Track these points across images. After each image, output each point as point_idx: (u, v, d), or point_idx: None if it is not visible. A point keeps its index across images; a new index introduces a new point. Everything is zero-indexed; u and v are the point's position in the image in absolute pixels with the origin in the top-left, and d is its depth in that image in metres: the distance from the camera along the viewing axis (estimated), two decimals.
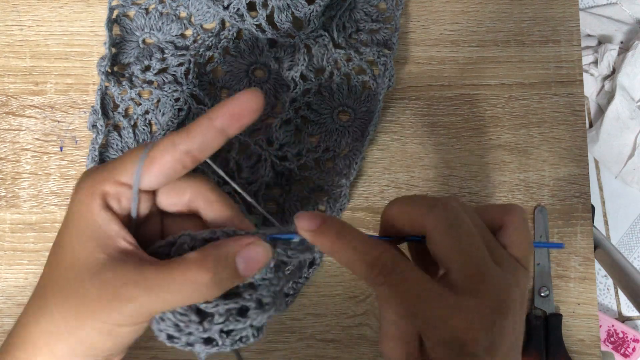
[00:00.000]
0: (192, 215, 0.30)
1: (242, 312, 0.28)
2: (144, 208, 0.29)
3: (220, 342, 0.28)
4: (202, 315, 0.28)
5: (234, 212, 0.30)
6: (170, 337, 0.28)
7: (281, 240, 0.29)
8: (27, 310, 0.28)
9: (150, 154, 0.27)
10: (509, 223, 0.29)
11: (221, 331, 0.28)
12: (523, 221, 0.29)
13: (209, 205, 0.29)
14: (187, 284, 0.26)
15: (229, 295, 0.28)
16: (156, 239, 0.29)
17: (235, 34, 0.45)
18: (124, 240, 0.27)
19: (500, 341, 0.26)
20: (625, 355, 1.06)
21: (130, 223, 0.28)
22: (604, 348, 1.06)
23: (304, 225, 0.28)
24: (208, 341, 0.28)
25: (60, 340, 0.26)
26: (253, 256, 0.27)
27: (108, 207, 0.27)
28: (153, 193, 0.29)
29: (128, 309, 0.26)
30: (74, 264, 0.27)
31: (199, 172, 0.42)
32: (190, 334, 0.28)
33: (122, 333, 0.27)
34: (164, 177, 0.27)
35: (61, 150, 0.45)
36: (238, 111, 0.27)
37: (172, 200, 0.29)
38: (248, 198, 0.30)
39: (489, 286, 0.26)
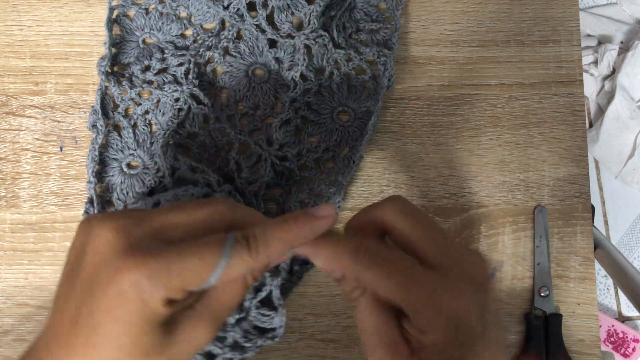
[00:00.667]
0: None
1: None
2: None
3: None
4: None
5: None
6: None
7: None
8: None
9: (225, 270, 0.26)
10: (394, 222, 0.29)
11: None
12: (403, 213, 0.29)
13: None
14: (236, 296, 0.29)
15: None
16: None
17: (235, 34, 0.45)
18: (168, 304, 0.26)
19: (488, 314, 0.27)
20: (625, 355, 1.06)
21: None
22: (604, 348, 1.06)
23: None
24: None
25: None
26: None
27: (169, 304, 0.26)
28: None
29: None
30: (131, 341, 0.25)
31: (198, 170, 0.42)
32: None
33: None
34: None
35: (61, 150, 0.45)
36: (314, 235, 0.28)
37: None
38: None
39: (463, 258, 0.28)
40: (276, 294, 0.37)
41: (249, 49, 0.45)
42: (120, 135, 0.44)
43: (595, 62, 1.13)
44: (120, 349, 0.25)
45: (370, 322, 0.28)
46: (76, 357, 0.25)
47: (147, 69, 0.45)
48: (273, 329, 0.36)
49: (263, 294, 0.37)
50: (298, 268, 0.43)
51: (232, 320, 0.36)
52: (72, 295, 0.26)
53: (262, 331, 0.37)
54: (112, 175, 0.44)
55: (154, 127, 0.44)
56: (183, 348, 0.27)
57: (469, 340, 0.27)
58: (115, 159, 0.44)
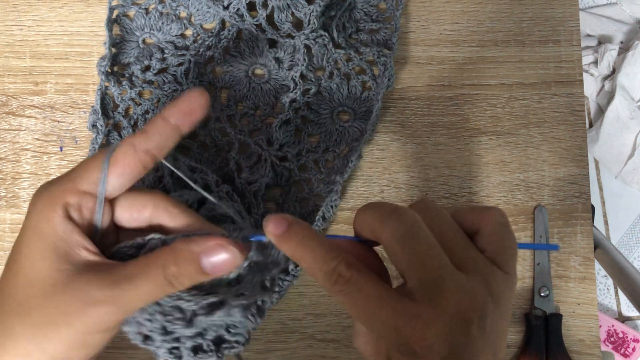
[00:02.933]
0: (148, 231, 0.30)
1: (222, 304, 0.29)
2: (105, 220, 0.29)
3: (206, 347, 0.29)
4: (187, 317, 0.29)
5: (199, 222, 0.30)
6: (146, 339, 0.29)
7: (256, 242, 0.29)
8: None
9: (111, 159, 0.27)
10: (484, 226, 0.28)
11: (210, 341, 0.29)
12: (499, 224, 0.28)
13: (172, 218, 0.30)
14: (151, 280, 0.27)
15: (205, 291, 0.29)
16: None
17: (235, 34, 0.45)
18: (86, 250, 0.27)
19: (464, 348, 0.25)
20: (625, 355, 1.06)
21: (92, 233, 0.28)
22: (604, 348, 1.06)
23: (270, 229, 0.28)
24: (196, 350, 0.29)
25: (22, 357, 0.26)
26: (218, 257, 0.28)
27: (69, 218, 0.27)
28: (112, 206, 0.30)
29: (99, 313, 0.26)
30: (35, 278, 0.27)
31: (197, 170, 0.42)
32: (177, 338, 0.29)
33: (94, 341, 0.27)
34: (127, 180, 0.28)
35: (61, 150, 0.45)
36: (189, 108, 0.29)
37: (131, 216, 0.30)
38: (204, 194, 0.31)
39: (447, 294, 0.25)
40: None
41: (249, 49, 0.45)
42: (120, 135, 0.44)
43: (595, 62, 1.13)
44: (41, 274, 0.27)
45: (369, 294, 0.28)
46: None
47: (147, 69, 0.45)
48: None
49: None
50: (293, 267, 0.42)
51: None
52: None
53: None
54: None
55: None
56: (77, 298, 0.27)
57: (461, 336, 0.25)
58: None
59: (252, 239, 0.29)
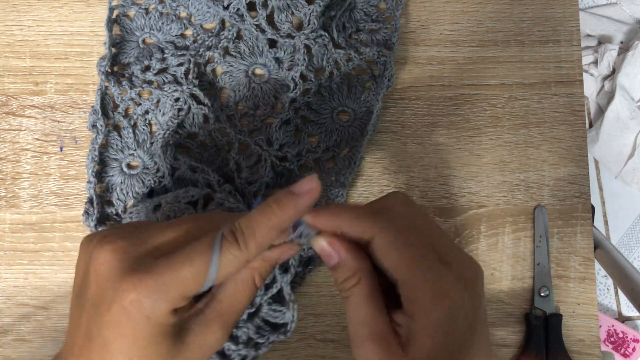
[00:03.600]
0: None
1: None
2: None
3: None
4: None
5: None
6: None
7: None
8: None
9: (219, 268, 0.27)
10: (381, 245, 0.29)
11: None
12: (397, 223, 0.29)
13: None
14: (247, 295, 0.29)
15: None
16: None
17: (235, 34, 0.45)
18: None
19: (478, 305, 0.28)
20: (625, 355, 1.06)
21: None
22: (604, 348, 1.06)
23: (302, 200, 0.29)
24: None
25: None
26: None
27: (176, 313, 0.27)
28: None
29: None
30: (141, 355, 0.27)
31: (198, 170, 0.42)
32: None
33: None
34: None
35: (61, 150, 0.45)
36: (298, 211, 0.28)
37: None
38: None
39: (463, 257, 0.29)
40: (287, 289, 0.37)
41: (249, 49, 0.45)
42: (120, 135, 0.44)
43: (595, 62, 1.13)
44: None
45: (361, 313, 0.28)
46: None
47: (147, 69, 0.45)
48: (285, 324, 0.37)
49: (274, 290, 0.37)
50: (300, 269, 0.43)
51: (244, 316, 0.36)
52: (82, 314, 0.28)
53: (274, 327, 0.37)
54: (112, 175, 0.44)
55: (154, 127, 0.44)
56: (195, 353, 0.28)
57: (462, 331, 0.27)
58: (115, 159, 0.44)
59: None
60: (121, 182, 0.43)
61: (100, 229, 0.42)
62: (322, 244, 0.29)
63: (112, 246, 0.27)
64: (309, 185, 0.28)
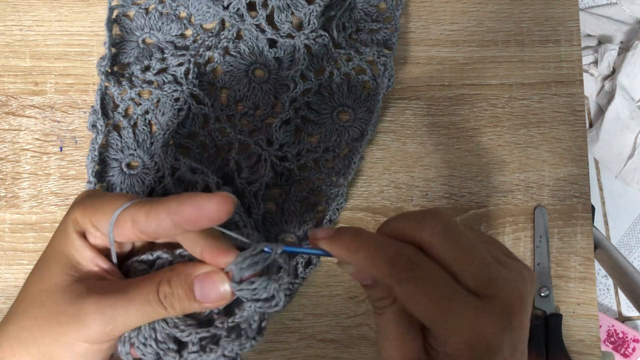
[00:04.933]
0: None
1: (216, 341, 0.28)
2: (126, 247, 0.30)
3: None
4: (180, 345, 0.28)
5: (221, 249, 0.28)
6: None
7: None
8: (2, 318, 0.30)
9: (117, 220, 0.27)
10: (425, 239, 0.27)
11: None
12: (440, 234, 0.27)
13: (191, 243, 0.29)
14: (142, 295, 0.27)
15: (202, 325, 0.28)
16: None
17: (235, 34, 0.45)
18: (97, 265, 0.29)
19: (518, 341, 0.26)
20: (625, 355, 1.06)
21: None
22: (604, 348, 1.06)
23: (319, 235, 0.28)
24: None
25: (22, 347, 0.27)
26: (211, 283, 0.27)
27: (84, 237, 0.29)
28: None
29: (88, 321, 0.27)
30: (46, 281, 0.28)
31: (198, 171, 0.42)
32: None
33: (82, 350, 0.27)
34: (125, 239, 0.28)
35: (61, 150, 0.45)
36: (195, 216, 0.26)
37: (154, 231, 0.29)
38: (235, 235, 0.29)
39: (502, 286, 0.26)
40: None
41: (249, 49, 0.45)
42: (120, 135, 0.44)
43: (595, 62, 1.13)
44: (51, 279, 0.28)
45: (393, 333, 0.27)
46: (20, 293, 0.29)
47: (147, 69, 0.45)
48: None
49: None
50: (302, 270, 0.43)
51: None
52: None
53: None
54: (112, 175, 0.44)
55: (154, 127, 0.44)
56: (68, 307, 0.27)
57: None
58: (115, 159, 0.44)
59: (292, 251, 0.28)
60: (121, 182, 0.43)
61: None
62: (351, 270, 0.28)
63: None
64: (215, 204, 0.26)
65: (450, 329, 0.25)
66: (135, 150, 0.44)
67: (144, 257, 0.29)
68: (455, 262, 0.26)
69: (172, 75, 0.44)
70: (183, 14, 0.46)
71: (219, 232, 0.29)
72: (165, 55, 0.45)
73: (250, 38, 0.45)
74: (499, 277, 0.26)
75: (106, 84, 0.44)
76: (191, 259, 0.29)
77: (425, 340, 0.27)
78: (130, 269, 0.30)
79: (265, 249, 0.27)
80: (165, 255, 0.29)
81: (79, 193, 0.33)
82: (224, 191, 0.41)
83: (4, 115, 0.45)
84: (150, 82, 0.44)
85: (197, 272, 0.27)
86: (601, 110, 1.14)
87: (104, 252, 0.29)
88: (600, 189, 1.15)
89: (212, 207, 0.26)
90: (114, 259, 0.29)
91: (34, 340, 0.27)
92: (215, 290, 0.27)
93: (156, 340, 0.28)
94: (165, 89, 0.44)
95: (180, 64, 0.44)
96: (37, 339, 0.27)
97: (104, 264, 0.29)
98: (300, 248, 0.29)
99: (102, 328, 0.27)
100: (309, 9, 0.43)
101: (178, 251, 0.29)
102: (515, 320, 0.26)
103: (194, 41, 0.46)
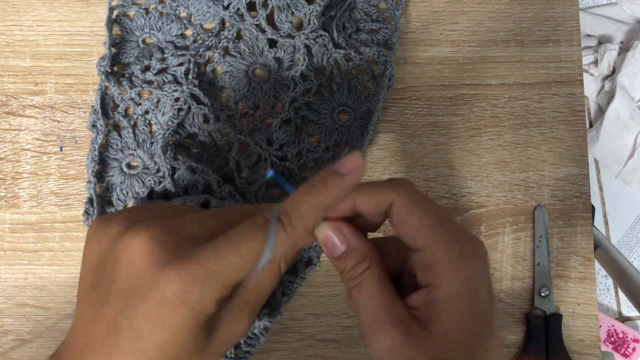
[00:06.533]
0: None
1: None
2: None
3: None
4: None
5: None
6: None
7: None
8: None
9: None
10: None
11: None
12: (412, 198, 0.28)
13: None
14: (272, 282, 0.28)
15: None
16: None
17: (235, 34, 0.45)
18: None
19: (490, 309, 0.27)
20: (625, 355, 1.06)
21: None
22: (604, 348, 1.06)
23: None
24: None
25: None
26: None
27: (207, 327, 0.26)
28: None
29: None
30: (177, 347, 0.25)
31: (198, 171, 0.42)
32: None
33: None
34: None
35: (61, 150, 0.45)
36: (344, 194, 0.27)
37: None
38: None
39: (476, 249, 0.27)
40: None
41: (249, 49, 0.45)
42: (120, 135, 0.44)
43: (595, 62, 1.13)
44: (164, 354, 0.25)
45: (377, 297, 0.27)
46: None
47: (147, 69, 0.45)
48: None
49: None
50: (302, 270, 0.43)
51: None
52: (104, 306, 0.26)
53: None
54: (112, 175, 0.44)
55: (154, 127, 0.44)
56: (224, 341, 0.27)
57: (485, 302, 0.26)
58: (115, 159, 0.44)
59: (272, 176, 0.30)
60: (121, 182, 0.43)
61: None
62: (326, 233, 0.28)
63: (146, 233, 0.25)
64: (354, 163, 0.27)
65: (441, 248, 0.26)
66: (135, 150, 0.44)
67: None
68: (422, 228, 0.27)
69: (172, 75, 0.44)
70: (183, 14, 0.46)
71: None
72: (165, 55, 0.45)
73: (250, 38, 0.45)
74: (472, 244, 0.28)
75: (106, 84, 0.44)
76: None
77: (407, 305, 0.27)
78: None
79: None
80: None
81: (93, 223, 0.29)
82: (226, 189, 0.41)
83: (4, 115, 0.45)
84: (150, 82, 0.44)
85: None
86: (601, 110, 1.14)
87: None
88: (600, 189, 1.15)
89: (352, 178, 0.27)
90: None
91: None
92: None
93: None
94: (165, 89, 0.44)
95: (180, 64, 0.44)
96: None
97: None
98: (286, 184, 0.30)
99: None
100: (309, 9, 0.43)
101: None
102: (488, 260, 0.28)
103: (194, 41, 0.46)
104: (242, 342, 0.31)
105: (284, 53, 0.45)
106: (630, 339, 1.06)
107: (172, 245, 0.25)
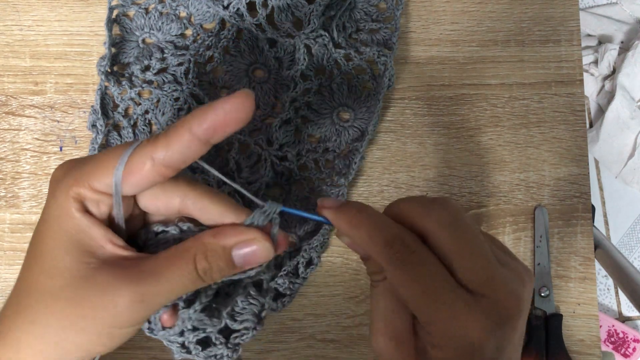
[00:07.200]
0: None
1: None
2: (126, 213, 0.27)
3: (214, 339, 0.29)
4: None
5: (230, 209, 0.28)
6: (151, 330, 0.28)
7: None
8: (5, 317, 0.27)
9: (127, 164, 0.25)
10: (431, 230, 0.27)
11: (218, 332, 0.28)
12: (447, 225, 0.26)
13: (202, 211, 0.28)
14: (180, 275, 0.26)
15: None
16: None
17: (235, 34, 0.45)
18: (110, 242, 0.26)
19: (507, 344, 0.26)
20: (625, 355, 1.06)
21: (114, 225, 0.27)
22: (604, 348, 1.06)
23: (327, 204, 0.28)
24: (205, 343, 0.28)
25: (35, 339, 0.26)
26: (251, 253, 0.27)
27: (87, 211, 0.26)
28: (134, 199, 0.28)
29: (126, 308, 0.25)
30: (61, 269, 0.26)
31: (198, 171, 0.42)
32: (181, 332, 0.28)
33: (120, 334, 0.26)
34: (141, 187, 0.26)
35: (61, 150, 0.45)
36: (222, 120, 0.24)
37: (157, 206, 0.28)
38: (242, 191, 0.28)
39: (500, 287, 0.25)
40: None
41: (249, 49, 0.45)
42: (120, 135, 0.44)
43: (596, 62, 1.13)
44: (65, 267, 0.26)
45: (382, 306, 0.27)
46: (21, 287, 0.27)
47: (147, 68, 0.45)
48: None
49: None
50: (303, 270, 0.43)
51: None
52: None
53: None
54: None
55: (154, 127, 0.44)
56: (98, 296, 0.25)
57: None
58: None
59: (292, 213, 0.28)
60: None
61: None
62: (348, 241, 0.29)
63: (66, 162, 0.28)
64: (239, 97, 0.24)
65: (436, 320, 0.25)
66: None
67: (158, 230, 0.28)
68: (456, 255, 0.26)
69: (172, 75, 0.44)
70: (183, 14, 0.46)
71: (230, 199, 0.28)
72: (165, 55, 0.45)
73: (250, 38, 0.45)
74: (498, 275, 0.26)
75: (106, 83, 0.44)
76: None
77: (416, 322, 0.27)
78: (147, 241, 0.28)
79: (267, 206, 0.28)
80: (185, 226, 0.28)
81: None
82: (226, 190, 0.41)
83: (4, 115, 0.45)
84: (150, 82, 0.44)
85: (230, 242, 0.26)
86: (601, 110, 1.14)
87: (112, 226, 0.27)
88: (600, 189, 1.15)
89: (236, 106, 0.24)
90: (120, 219, 0.27)
91: (69, 338, 0.26)
92: (256, 253, 0.27)
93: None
94: (165, 89, 0.44)
95: (180, 64, 0.44)
96: (70, 336, 0.25)
97: (117, 240, 0.26)
98: (302, 212, 0.29)
99: (142, 313, 0.26)
100: (309, 9, 0.43)
101: (186, 225, 0.28)
102: (509, 322, 0.25)
103: (194, 41, 0.45)
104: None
105: (284, 53, 0.45)
106: (631, 339, 1.06)
107: (74, 162, 0.27)
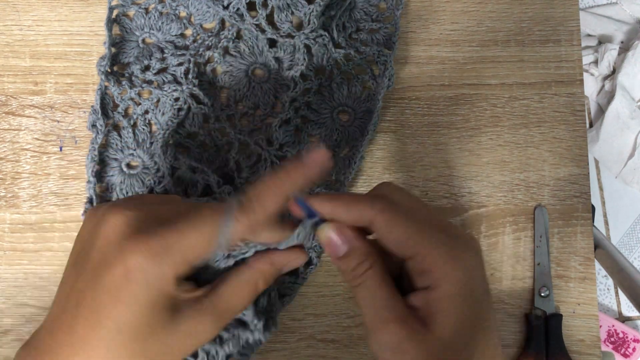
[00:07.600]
0: None
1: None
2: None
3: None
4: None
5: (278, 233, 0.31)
6: None
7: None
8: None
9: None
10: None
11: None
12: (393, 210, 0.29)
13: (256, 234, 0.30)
14: (247, 302, 0.30)
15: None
16: None
17: (235, 34, 0.45)
18: (185, 291, 0.28)
19: (485, 276, 0.29)
20: (625, 355, 1.06)
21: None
22: (604, 348, 1.06)
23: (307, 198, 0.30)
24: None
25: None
26: (294, 265, 0.31)
27: (180, 281, 0.27)
28: None
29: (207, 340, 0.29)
30: (134, 323, 0.26)
31: (198, 171, 0.42)
32: None
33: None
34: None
35: (61, 150, 0.45)
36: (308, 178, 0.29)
37: None
38: None
39: (463, 232, 0.29)
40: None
41: (249, 49, 0.45)
42: (120, 135, 0.44)
43: (596, 62, 1.13)
44: (120, 331, 0.25)
45: (380, 296, 0.27)
46: (77, 339, 0.26)
47: (146, 68, 0.44)
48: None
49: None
50: (302, 269, 0.43)
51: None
52: (78, 281, 0.27)
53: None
54: (112, 175, 0.43)
55: (154, 127, 0.44)
56: (183, 340, 0.27)
57: (481, 297, 0.27)
58: (115, 159, 0.44)
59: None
60: (121, 182, 0.43)
61: None
62: (329, 234, 0.29)
63: (121, 210, 0.27)
64: (319, 155, 0.28)
65: (434, 253, 0.27)
66: (135, 150, 0.44)
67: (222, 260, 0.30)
68: (414, 245, 0.28)
69: (172, 75, 0.44)
70: (183, 14, 0.46)
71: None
72: (165, 55, 0.45)
73: (250, 38, 0.45)
74: (456, 226, 0.30)
75: (106, 83, 0.44)
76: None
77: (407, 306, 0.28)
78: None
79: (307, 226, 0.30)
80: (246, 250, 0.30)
81: (85, 215, 0.31)
82: (226, 190, 0.41)
83: (3, 115, 0.45)
84: (150, 82, 0.44)
85: (282, 264, 0.30)
86: (601, 110, 1.14)
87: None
88: (600, 189, 1.15)
89: (315, 169, 0.28)
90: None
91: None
92: (296, 265, 0.31)
93: None
94: (165, 89, 0.44)
95: (180, 64, 0.44)
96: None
97: (188, 284, 0.28)
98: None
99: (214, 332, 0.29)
100: (309, 9, 0.43)
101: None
102: (482, 256, 0.29)
103: (194, 41, 0.45)
104: (235, 351, 0.31)
105: (284, 53, 0.45)
106: (631, 339, 1.06)
107: (142, 224, 0.27)
